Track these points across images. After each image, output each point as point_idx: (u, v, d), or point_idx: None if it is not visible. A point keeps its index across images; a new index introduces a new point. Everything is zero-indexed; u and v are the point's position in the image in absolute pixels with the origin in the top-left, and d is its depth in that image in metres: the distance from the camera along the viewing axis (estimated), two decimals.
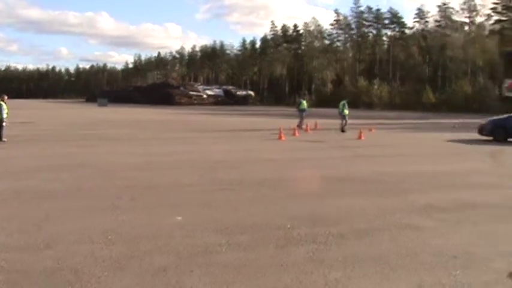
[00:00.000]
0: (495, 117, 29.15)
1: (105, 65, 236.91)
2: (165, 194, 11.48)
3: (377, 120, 34.98)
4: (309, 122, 34.08)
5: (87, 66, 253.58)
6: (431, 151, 22.27)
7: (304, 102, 37.14)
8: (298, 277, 6.18)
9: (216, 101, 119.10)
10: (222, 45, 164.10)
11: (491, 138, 26.97)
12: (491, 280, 6.18)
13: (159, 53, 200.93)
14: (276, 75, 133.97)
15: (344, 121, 32.55)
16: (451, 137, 29.62)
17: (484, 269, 6.58)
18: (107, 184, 12.54)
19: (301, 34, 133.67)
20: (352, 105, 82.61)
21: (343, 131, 32.02)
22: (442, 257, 7.02)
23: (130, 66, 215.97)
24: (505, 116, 28.14)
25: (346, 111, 33.01)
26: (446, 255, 7.10)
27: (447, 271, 6.46)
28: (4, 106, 23.74)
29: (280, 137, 26.23)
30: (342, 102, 33.79)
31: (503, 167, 17.87)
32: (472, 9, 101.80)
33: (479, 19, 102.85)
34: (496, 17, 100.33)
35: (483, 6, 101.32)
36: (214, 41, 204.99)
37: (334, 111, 39.82)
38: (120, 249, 7.17)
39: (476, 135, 28.01)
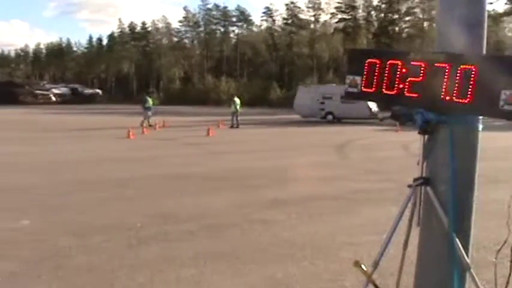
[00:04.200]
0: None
1: None
2: (9, 197, 10.92)
3: (225, 116, 35.37)
4: (157, 120, 33.57)
5: None
6: (279, 146, 22.82)
7: (150, 100, 36.26)
8: (150, 276, 6.11)
9: (63, 100, 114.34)
10: (68, 42, 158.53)
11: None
12: (339, 269, 6.39)
13: (2, 51, 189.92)
14: (123, 72, 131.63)
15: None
16: (303, 132, 30.43)
17: (332, 259, 6.81)
18: None
19: (149, 31, 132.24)
20: (200, 103, 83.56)
21: (237, 126, 34.29)
22: (292, 249, 7.20)
23: None
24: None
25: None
26: (295, 247, 7.30)
27: (297, 262, 6.63)
28: None
29: (129, 136, 25.60)
30: (237, 100, 35.90)
31: (348, 160, 18.70)
32: (317, 8, 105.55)
33: (324, 17, 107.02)
34: (340, 16, 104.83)
35: (328, 5, 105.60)
36: (60, 38, 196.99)
37: (184, 108, 39.62)
38: None
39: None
